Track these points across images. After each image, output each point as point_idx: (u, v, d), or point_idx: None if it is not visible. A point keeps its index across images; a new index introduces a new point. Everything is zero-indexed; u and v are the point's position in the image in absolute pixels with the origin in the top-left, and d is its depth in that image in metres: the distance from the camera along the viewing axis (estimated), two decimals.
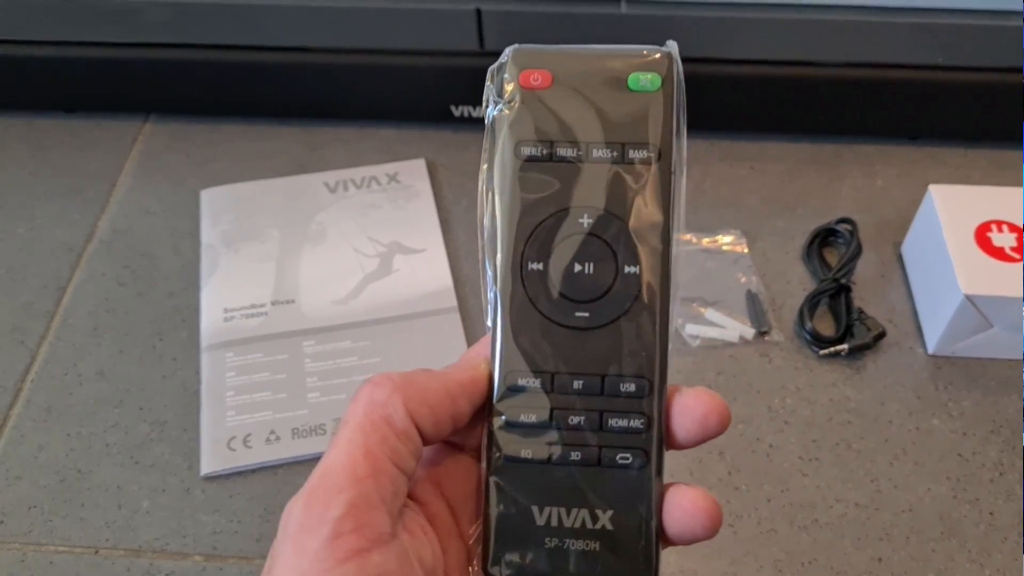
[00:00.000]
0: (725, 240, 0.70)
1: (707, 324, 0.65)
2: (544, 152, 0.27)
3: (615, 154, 0.27)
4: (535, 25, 0.77)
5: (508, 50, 0.28)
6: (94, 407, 0.62)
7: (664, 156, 0.27)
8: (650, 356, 0.27)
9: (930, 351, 0.63)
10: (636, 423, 0.27)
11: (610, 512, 0.27)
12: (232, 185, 0.75)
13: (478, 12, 0.77)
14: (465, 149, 0.78)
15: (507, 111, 0.27)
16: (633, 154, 0.27)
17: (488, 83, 0.28)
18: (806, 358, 0.64)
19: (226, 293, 0.67)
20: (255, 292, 0.67)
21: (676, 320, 0.64)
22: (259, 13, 0.81)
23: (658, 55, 0.27)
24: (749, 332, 0.64)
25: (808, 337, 0.64)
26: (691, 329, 0.64)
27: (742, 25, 0.78)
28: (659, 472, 0.27)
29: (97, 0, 0.75)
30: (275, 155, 0.78)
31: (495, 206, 0.27)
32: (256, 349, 0.64)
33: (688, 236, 0.70)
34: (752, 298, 0.66)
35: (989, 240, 0.61)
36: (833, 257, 0.69)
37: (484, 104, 0.28)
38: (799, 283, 0.68)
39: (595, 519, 0.27)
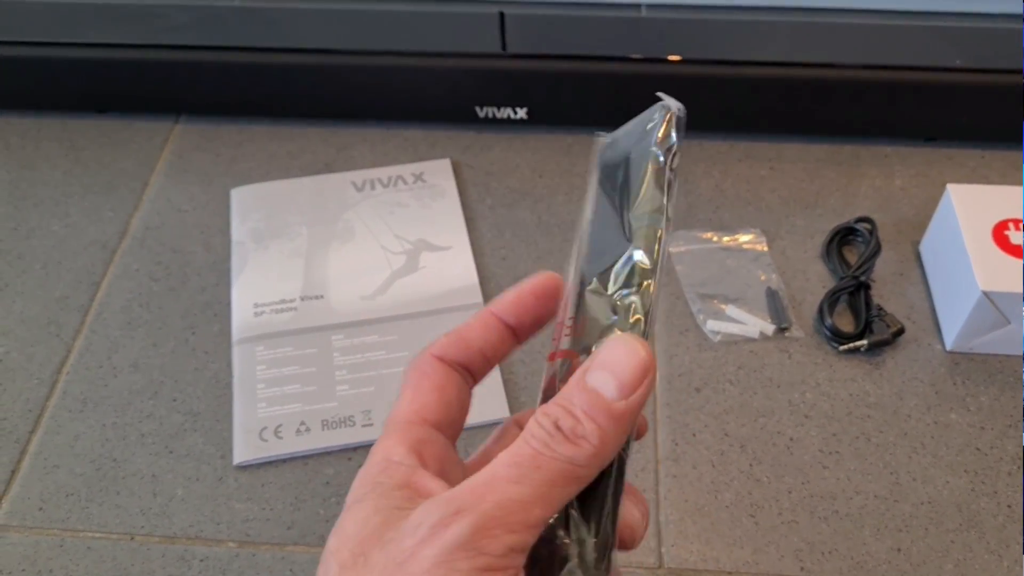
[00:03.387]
0: (745, 238, 0.71)
1: (728, 320, 0.66)
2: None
3: None
4: (557, 28, 0.79)
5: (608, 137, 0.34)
6: (128, 398, 0.64)
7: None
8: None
9: (948, 347, 0.64)
10: None
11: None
12: (261, 184, 0.77)
13: (501, 15, 0.79)
14: (489, 149, 0.80)
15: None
16: None
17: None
18: (826, 354, 0.65)
19: (256, 288, 0.69)
20: (284, 287, 0.69)
21: (697, 316, 0.65)
22: (286, 16, 0.83)
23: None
24: (769, 328, 0.65)
25: (828, 333, 0.65)
26: (712, 325, 0.66)
27: (761, 28, 0.79)
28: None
29: (127, 3, 0.77)
30: (302, 155, 0.80)
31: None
32: (286, 343, 0.65)
33: (709, 234, 0.72)
34: (772, 295, 0.67)
35: (1006, 238, 0.62)
36: (852, 255, 0.70)
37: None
38: (819, 280, 0.69)
39: None
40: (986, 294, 0.59)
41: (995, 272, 0.60)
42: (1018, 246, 0.61)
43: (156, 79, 0.81)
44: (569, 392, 0.26)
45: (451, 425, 0.31)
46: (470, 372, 0.32)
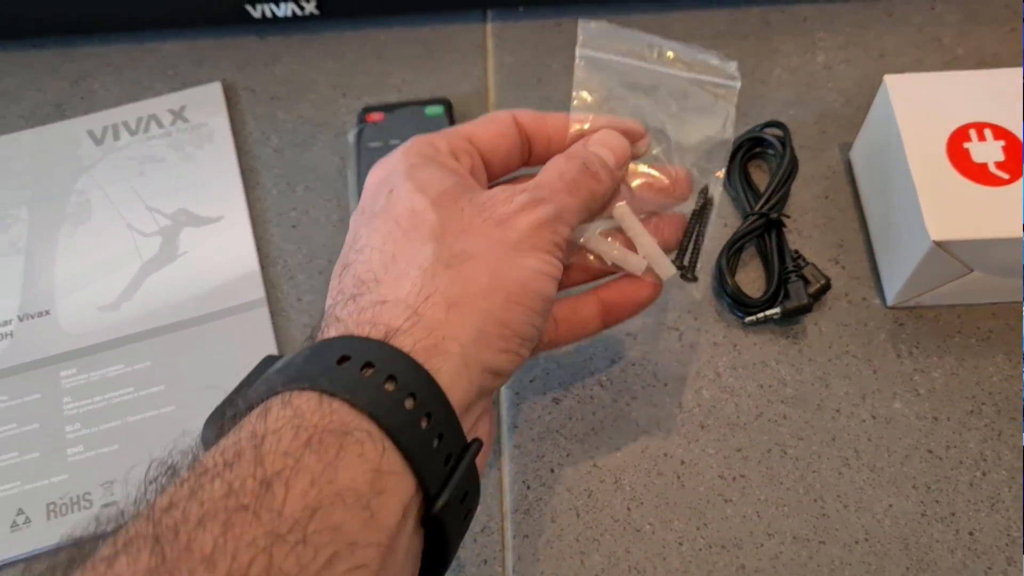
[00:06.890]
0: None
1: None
2: (383, 144, 0.50)
3: None
4: None
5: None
6: None
7: None
8: None
9: (889, 302, 0.48)
10: None
11: None
12: None
13: None
14: (275, 61, 0.59)
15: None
16: None
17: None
18: (728, 327, 0.48)
19: None
20: None
21: None
22: None
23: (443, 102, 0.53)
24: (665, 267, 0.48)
25: (729, 300, 0.48)
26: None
27: None
28: None
29: None
30: (24, 94, 0.59)
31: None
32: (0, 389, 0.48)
33: None
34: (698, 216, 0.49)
35: (967, 154, 0.44)
36: (763, 177, 0.52)
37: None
38: (719, 216, 0.51)
39: None
40: (940, 244, 0.42)
41: (952, 212, 0.42)
42: (983, 166, 0.43)
43: None
44: (580, 150, 0.36)
45: (491, 164, 0.37)
46: (527, 148, 0.38)
